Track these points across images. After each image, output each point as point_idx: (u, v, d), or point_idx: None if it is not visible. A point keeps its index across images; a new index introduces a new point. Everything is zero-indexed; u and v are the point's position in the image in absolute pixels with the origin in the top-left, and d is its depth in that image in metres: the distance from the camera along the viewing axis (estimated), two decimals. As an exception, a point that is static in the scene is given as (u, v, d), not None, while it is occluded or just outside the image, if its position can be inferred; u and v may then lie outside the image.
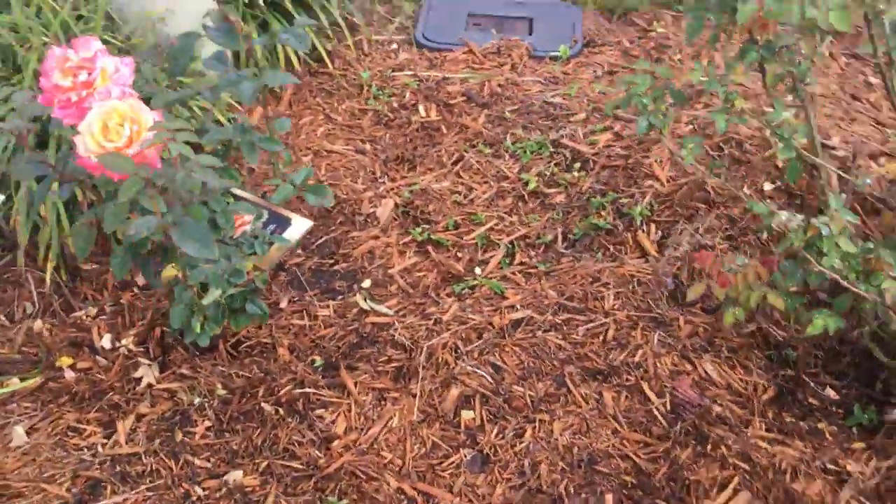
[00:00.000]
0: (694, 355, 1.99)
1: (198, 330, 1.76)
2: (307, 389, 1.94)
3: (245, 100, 1.66)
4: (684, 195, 2.35)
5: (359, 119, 2.85)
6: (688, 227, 2.28)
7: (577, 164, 2.54)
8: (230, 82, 1.71)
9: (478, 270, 2.28)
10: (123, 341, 2.09)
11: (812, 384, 1.96)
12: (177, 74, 1.73)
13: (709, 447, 1.77)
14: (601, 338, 2.04)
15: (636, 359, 1.98)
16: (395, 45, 3.22)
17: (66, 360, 2.03)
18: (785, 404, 1.91)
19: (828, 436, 1.84)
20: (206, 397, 1.93)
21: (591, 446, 1.82)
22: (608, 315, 2.10)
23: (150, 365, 2.02)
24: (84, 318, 2.18)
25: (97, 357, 2.05)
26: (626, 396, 1.91)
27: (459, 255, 2.33)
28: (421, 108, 2.84)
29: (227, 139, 1.74)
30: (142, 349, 2.08)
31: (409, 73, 3.03)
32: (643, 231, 2.30)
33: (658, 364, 1.97)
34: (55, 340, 2.09)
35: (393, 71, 3.04)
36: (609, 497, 1.72)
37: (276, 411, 1.90)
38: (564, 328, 2.07)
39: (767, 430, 1.81)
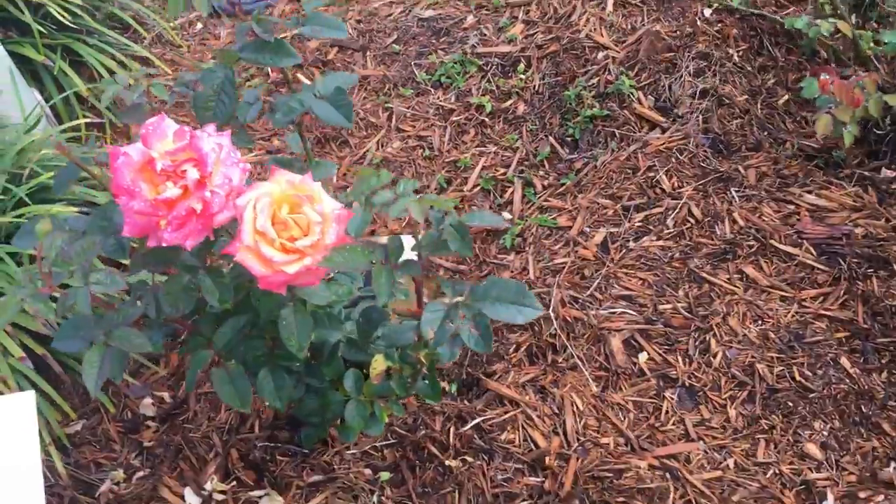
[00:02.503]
0: (782, 194, 1.92)
1: (384, 418, 1.37)
2: (471, 421, 1.62)
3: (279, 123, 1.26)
4: (647, 51, 2.22)
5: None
6: (674, 78, 2.17)
7: (519, 67, 2.31)
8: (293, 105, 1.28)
9: (507, 214, 2.02)
10: (208, 486, 1.60)
11: (867, 173, 1.99)
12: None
13: (893, 267, 1.73)
14: (692, 220, 1.91)
15: (741, 222, 1.88)
16: (200, 26, 2.70)
17: (163, 547, 1.52)
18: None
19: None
20: (374, 489, 1.55)
21: (780, 322, 1.71)
22: (676, 197, 1.96)
23: (267, 494, 1.57)
24: (118, 489, 1.64)
25: (197, 521, 1.56)
26: (766, 261, 1.81)
27: (476, 207, 2.05)
28: (300, 75, 2.42)
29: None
30: (234, 484, 1.61)
31: (250, 46, 2.55)
32: (638, 103, 2.16)
33: (763, 218, 1.88)
34: (123, 533, 1.56)
35: (231, 51, 2.54)
36: (844, 358, 1.63)
37: (462, 461, 1.57)
38: (651, 227, 1.91)
39: (912, 225, 1.82)
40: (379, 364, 1.19)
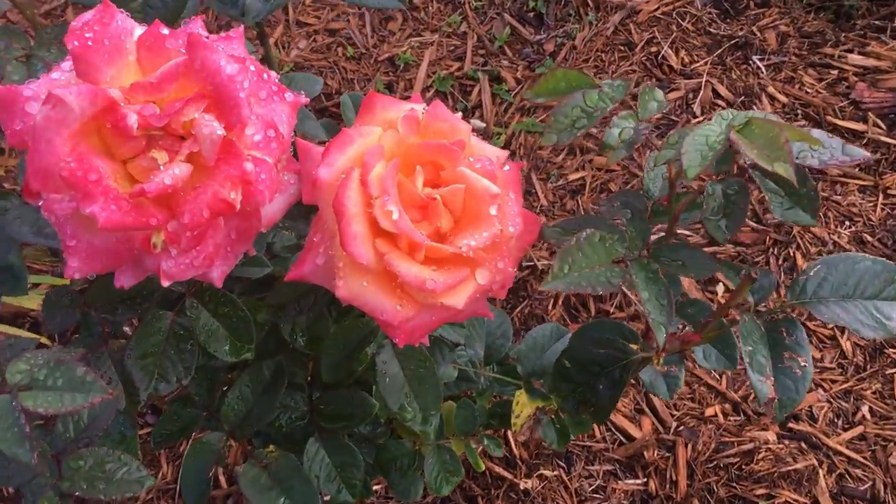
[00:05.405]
0: (817, 57, 1.55)
1: (480, 465, 0.89)
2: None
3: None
4: None
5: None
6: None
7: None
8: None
9: (478, 122, 1.53)
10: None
11: (879, 22, 1.66)
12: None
13: None
14: (723, 102, 1.50)
15: (781, 98, 1.49)
16: None
17: None
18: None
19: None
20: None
21: (871, 219, 1.36)
22: (690, 75, 1.54)
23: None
24: None
25: None
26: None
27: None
28: None
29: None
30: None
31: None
32: (609, -41, 1.69)
33: (806, 90, 1.50)
34: None
35: None
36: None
37: (539, 478, 1.13)
38: (675, 118, 1.49)
39: None
40: (524, 406, 0.70)
